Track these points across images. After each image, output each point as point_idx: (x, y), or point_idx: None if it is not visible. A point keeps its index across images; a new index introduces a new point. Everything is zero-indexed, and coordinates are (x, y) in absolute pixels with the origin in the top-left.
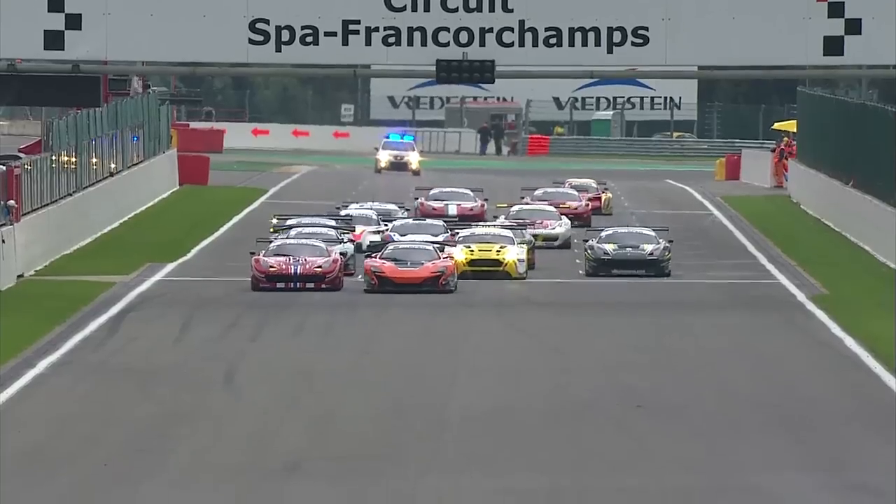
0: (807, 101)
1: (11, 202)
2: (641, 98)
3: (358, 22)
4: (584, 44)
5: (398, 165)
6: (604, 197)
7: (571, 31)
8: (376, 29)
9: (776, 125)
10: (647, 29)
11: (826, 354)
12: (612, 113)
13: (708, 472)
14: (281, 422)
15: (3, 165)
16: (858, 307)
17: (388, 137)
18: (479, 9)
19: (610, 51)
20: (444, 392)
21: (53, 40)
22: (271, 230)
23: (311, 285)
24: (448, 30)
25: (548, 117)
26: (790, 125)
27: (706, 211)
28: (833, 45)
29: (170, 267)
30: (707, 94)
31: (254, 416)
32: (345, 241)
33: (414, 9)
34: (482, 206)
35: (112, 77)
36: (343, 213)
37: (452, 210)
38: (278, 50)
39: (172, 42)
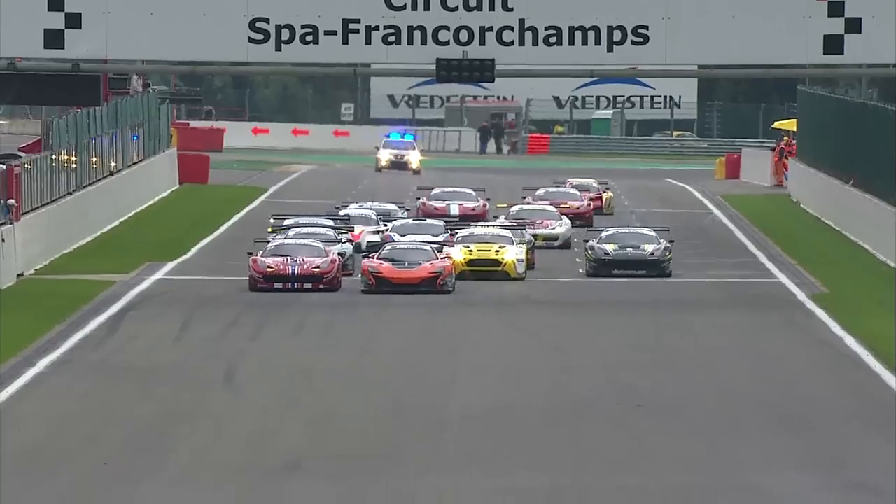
0: (807, 100)
1: (11, 201)
2: (641, 97)
3: (358, 21)
4: (584, 43)
5: (399, 164)
6: (605, 197)
7: (571, 30)
8: (376, 28)
9: (776, 124)
10: (647, 28)
11: (826, 353)
12: (612, 112)
13: (708, 471)
14: (281, 421)
15: (3, 164)
16: (858, 306)
17: (389, 136)
18: (479, 7)
19: (610, 50)
20: (443, 391)
21: (53, 39)
22: (269, 230)
23: (309, 286)
24: (448, 29)
25: (548, 116)
26: (790, 124)
27: (706, 210)
28: (833, 44)
29: (170, 266)
30: (707, 93)
31: (254, 414)
32: (343, 241)
33: (414, 7)
34: (484, 205)
35: (112, 76)
36: (342, 212)
37: (454, 210)
38: (278, 49)
39: (172, 41)
